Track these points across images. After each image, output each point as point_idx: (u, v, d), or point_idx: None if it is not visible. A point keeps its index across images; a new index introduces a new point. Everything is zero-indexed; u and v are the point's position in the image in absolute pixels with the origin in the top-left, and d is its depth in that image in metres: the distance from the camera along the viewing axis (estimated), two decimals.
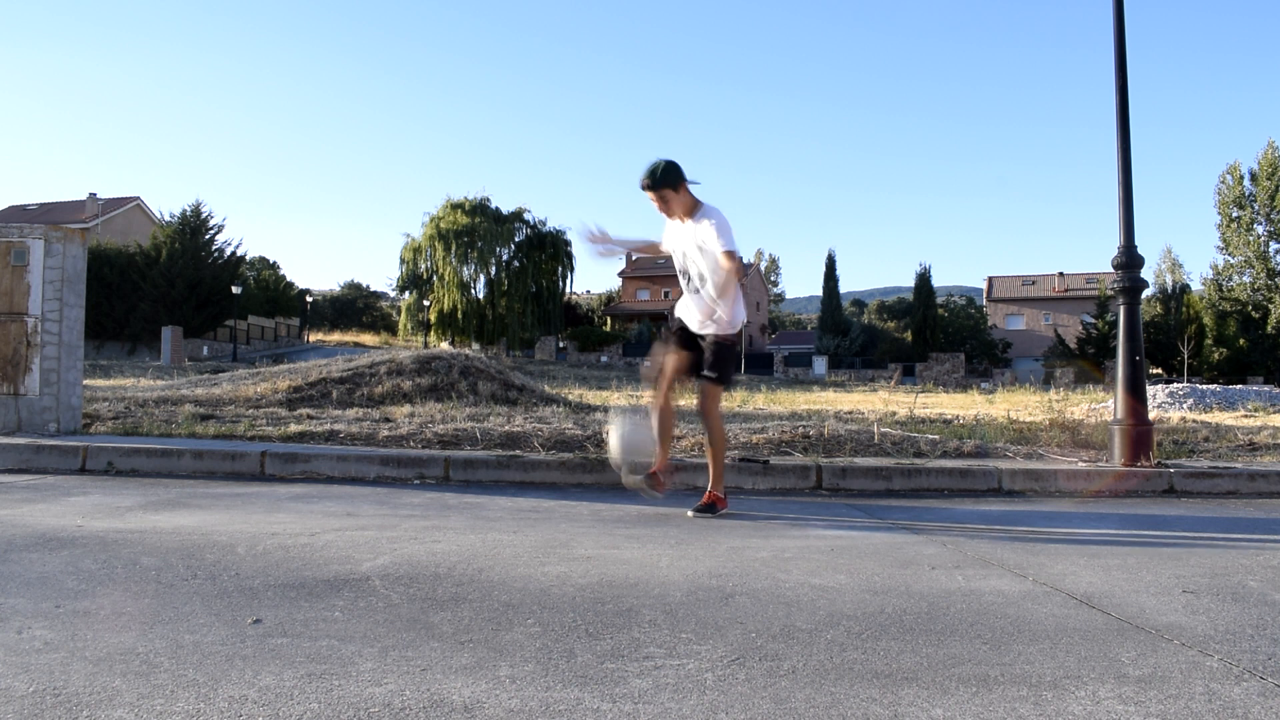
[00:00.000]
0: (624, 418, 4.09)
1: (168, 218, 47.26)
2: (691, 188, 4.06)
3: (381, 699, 1.68)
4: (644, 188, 4.03)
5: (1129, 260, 5.52)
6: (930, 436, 6.27)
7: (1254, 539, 3.66)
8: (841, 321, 57.03)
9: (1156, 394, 14.82)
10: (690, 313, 4.14)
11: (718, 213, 4.00)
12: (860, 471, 5.03)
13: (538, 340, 50.09)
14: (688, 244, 4.09)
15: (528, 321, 51.52)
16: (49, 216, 51.50)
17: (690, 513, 3.97)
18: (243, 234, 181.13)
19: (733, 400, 10.78)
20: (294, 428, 6.17)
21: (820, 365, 46.05)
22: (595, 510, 4.08)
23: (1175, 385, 16.54)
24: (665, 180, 3.99)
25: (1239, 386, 18.52)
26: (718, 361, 4.02)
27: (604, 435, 4.27)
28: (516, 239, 52.45)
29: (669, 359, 4.13)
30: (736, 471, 4.97)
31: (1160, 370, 43.94)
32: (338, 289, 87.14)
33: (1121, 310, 5.57)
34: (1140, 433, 5.34)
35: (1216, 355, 42.47)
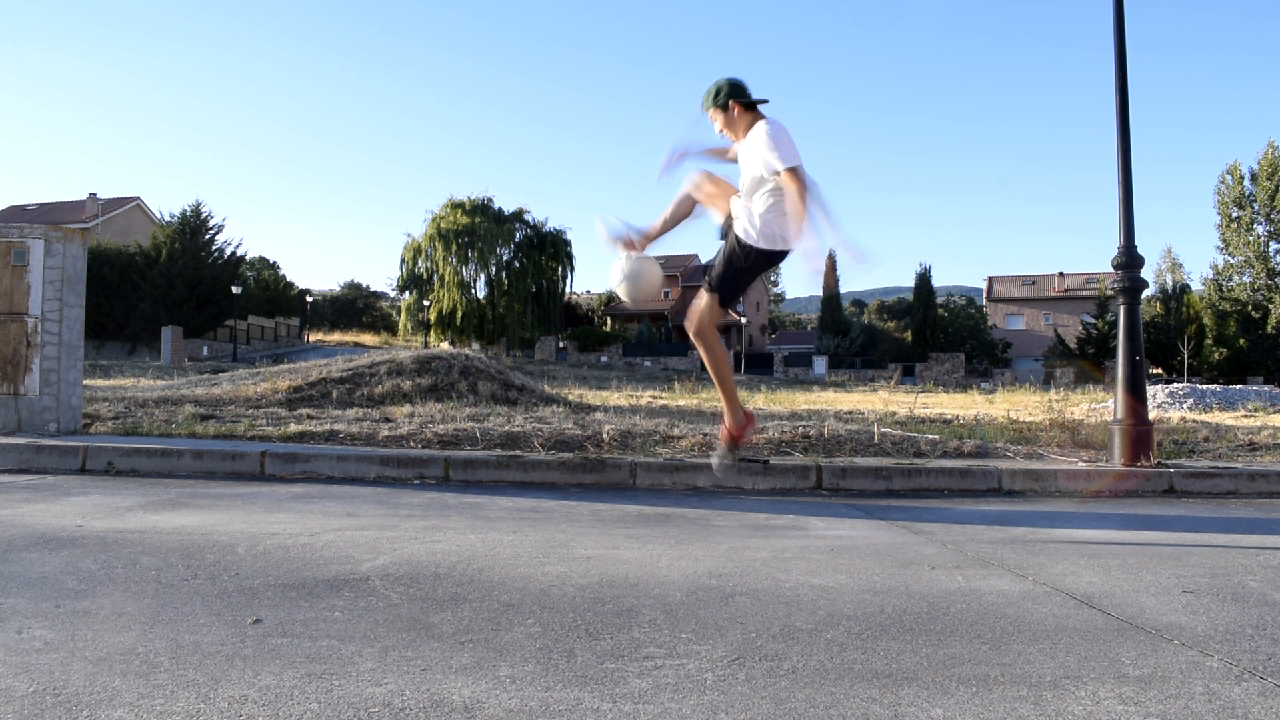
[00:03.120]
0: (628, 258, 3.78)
1: (168, 218, 47.25)
2: (761, 108, 3.70)
3: (381, 699, 1.68)
4: (705, 109, 3.73)
5: (1129, 260, 5.52)
6: (930, 436, 6.27)
7: (1254, 539, 3.66)
8: (841, 321, 57.01)
9: (1156, 394, 14.82)
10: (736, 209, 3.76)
11: (775, 123, 3.57)
12: (860, 471, 5.03)
13: (538, 340, 50.10)
14: (743, 158, 3.72)
15: (528, 321, 51.50)
16: (49, 216, 51.49)
17: (715, 461, 3.83)
18: (243, 234, 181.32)
19: None
20: (294, 428, 6.17)
21: (820, 365, 46.05)
22: (595, 510, 4.08)
23: (1175, 385, 16.53)
24: (730, 97, 3.66)
25: (1239, 386, 18.51)
26: (722, 266, 3.66)
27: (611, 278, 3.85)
28: (517, 239, 52.43)
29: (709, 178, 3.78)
30: (736, 471, 4.96)
31: (1160, 370, 43.93)
32: (338, 289, 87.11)
33: (1121, 310, 5.56)
34: (1140, 433, 5.34)
35: (1216, 355, 42.47)
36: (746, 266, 3.68)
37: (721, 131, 3.76)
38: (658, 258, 4.17)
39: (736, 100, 3.67)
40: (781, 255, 3.66)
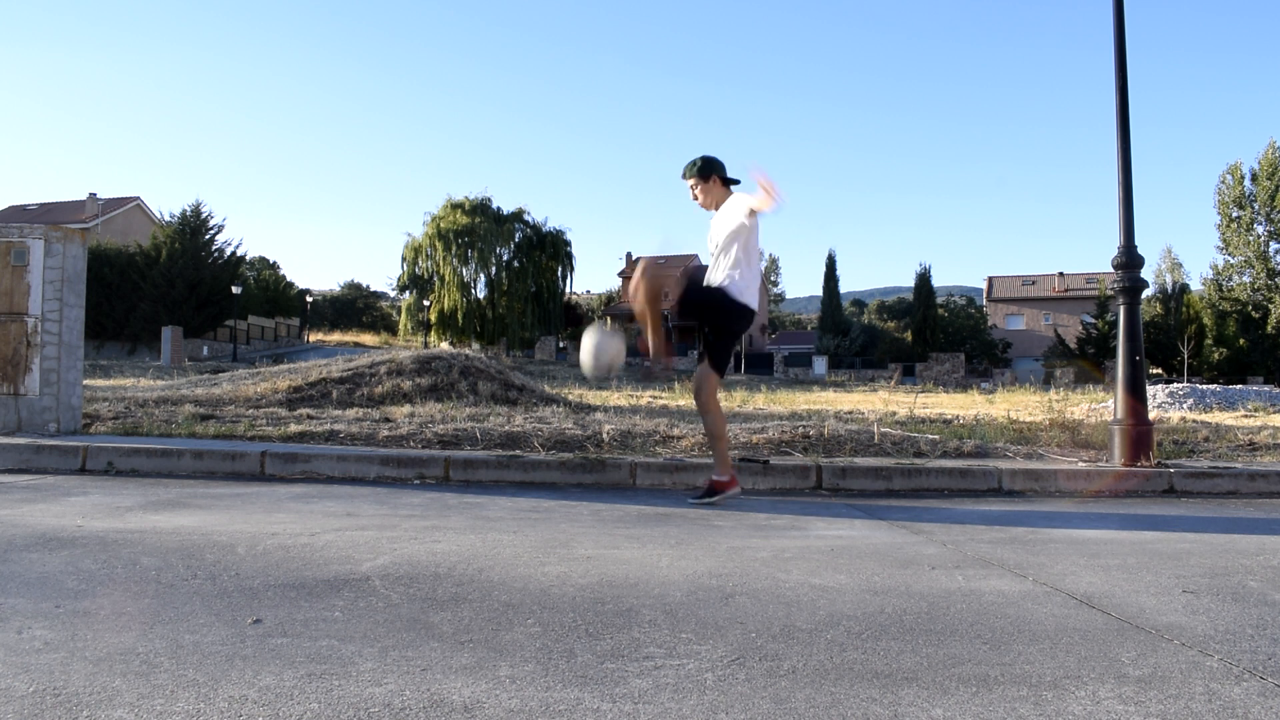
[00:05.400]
0: (596, 330, 4.39)
1: (168, 218, 47.28)
2: (733, 188, 4.38)
3: (381, 699, 1.68)
4: (683, 177, 4.42)
5: (1129, 260, 5.52)
6: (930, 436, 6.27)
7: (1254, 539, 3.66)
8: (841, 321, 57.06)
9: (1156, 394, 14.82)
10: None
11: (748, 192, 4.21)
12: (860, 471, 5.03)
13: (538, 340, 50.10)
14: (712, 229, 4.39)
15: (528, 321, 51.52)
16: (49, 216, 51.50)
17: (691, 499, 4.31)
18: (243, 234, 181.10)
19: (733, 400, 10.79)
20: (294, 428, 6.17)
21: (820, 365, 46.03)
22: (595, 510, 4.08)
23: (1175, 385, 16.54)
24: (702, 171, 4.34)
25: (1239, 386, 18.52)
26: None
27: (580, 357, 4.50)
28: (516, 239, 52.46)
29: None
30: (737, 471, 4.96)
31: (1160, 370, 43.94)
32: (338, 289, 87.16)
33: (1121, 310, 5.56)
34: (1140, 433, 5.34)
35: (1216, 355, 42.48)
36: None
37: (696, 198, 4.40)
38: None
39: (717, 174, 4.34)
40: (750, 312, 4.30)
